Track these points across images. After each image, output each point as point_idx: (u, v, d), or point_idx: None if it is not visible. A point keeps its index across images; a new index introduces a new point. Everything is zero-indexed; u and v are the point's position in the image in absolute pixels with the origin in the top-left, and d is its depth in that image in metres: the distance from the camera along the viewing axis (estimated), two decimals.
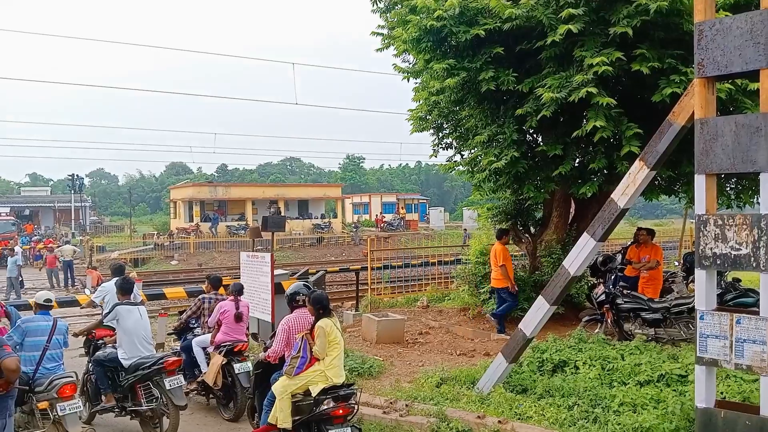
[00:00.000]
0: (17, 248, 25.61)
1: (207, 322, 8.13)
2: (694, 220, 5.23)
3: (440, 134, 12.98)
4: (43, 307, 6.55)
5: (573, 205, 12.15)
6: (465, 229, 40.14)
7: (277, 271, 10.16)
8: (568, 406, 6.34)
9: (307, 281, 8.34)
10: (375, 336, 10.55)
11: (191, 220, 46.38)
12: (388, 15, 11.98)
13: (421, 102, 12.17)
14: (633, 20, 8.11)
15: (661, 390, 6.36)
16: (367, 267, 14.77)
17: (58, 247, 28.90)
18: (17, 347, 6.21)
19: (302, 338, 5.68)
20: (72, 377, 6.26)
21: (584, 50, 8.51)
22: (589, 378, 6.97)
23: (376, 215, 56.02)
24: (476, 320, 11.72)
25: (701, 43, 4.96)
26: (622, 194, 6.16)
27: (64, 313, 10.72)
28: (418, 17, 9.40)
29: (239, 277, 10.12)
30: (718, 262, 4.89)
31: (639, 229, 10.87)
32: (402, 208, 58.65)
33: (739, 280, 10.20)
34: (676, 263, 13.96)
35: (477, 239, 13.14)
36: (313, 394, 5.54)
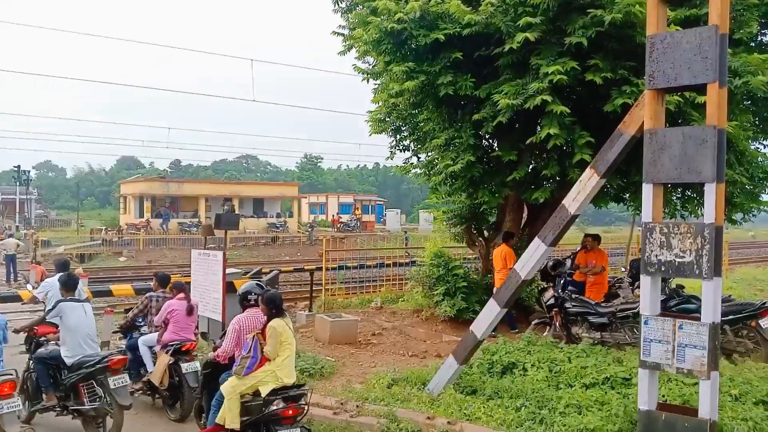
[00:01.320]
0: None
1: (154, 320, 7.95)
2: (641, 228, 5.38)
3: (398, 136, 13.02)
4: None
5: (526, 210, 12.35)
6: (405, 232, 40.46)
7: (229, 270, 10.02)
8: (516, 407, 6.43)
9: (260, 281, 8.24)
10: (328, 337, 10.50)
11: (142, 215, 45.34)
12: (349, 15, 11.96)
13: (380, 104, 12.18)
14: (588, 30, 8.29)
15: (606, 392, 6.50)
16: (321, 267, 14.69)
17: (1, 240, 27.83)
18: None
19: (253, 338, 5.60)
20: (11, 375, 6.05)
21: (540, 58, 8.67)
22: (537, 380, 7.09)
23: (333, 215, 55.87)
24: (429, 322, 11.80)
25: (652, 55, 5.11)
26: (573, 200, 6.29)
27: (5, 309, 10.30)
28: (379, 19, 9.41)
29: (190, 275, 9.92)
30: (663, 269, 5.04)
31: (586, 235, 11.13)
32: (358, 209, 58.61)
33: (682, 287, 10.51)
34: (623, 269, 14.33)
35: (432, 242, 13.23)
36: (263, 395, 5.47)
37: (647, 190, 5.18)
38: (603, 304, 9.40)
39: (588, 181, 6.13)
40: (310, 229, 44.39)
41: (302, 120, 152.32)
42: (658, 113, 5.21)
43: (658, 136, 5.11)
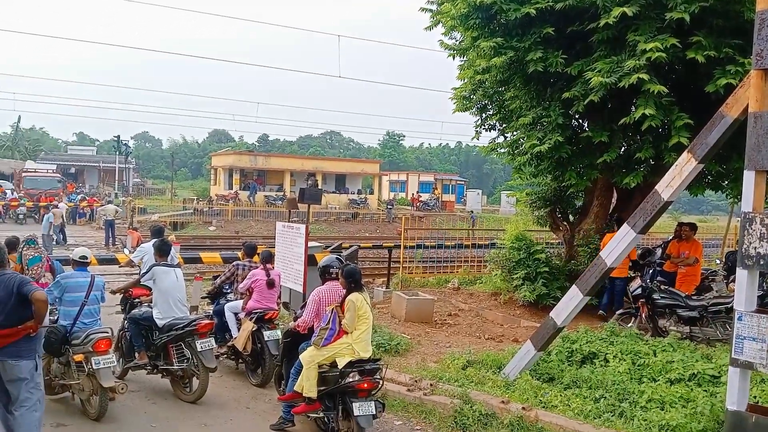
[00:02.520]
0: (62, 205, 26.34)
1: (239, 288, 8.26)
2: (739, 218, 5.05)
3: (483, 115, 12.81)
4: (80, 264, 6.72)
5: (615, 194, 11.89)
6: (472, 211, 39.93)
7: (311, 243, 10.23)
8: (595, 398, 6.27)
9: (340, 255, 8.37)
10: (404, 314, 10.58)
11: (231, 187, 47.01)
12: None
13: (465, 81, 12.00)
14: (691, 6, 7.81)
15: (692, 389, 6.23)
16: (400, 245, 14.77)
17: (101, 206, 29.69)
18: (57, 301, 6.43)
19: (332, 310, 5.72)
20: (107, 333, 6.44)
21: (638, 35, 8.24)
22: (619, 372, 6.87)
23: (413, 194, 55.87)
24: (507, 305, 11.65)
25: (762, 32, 4.74)
26: (667, 186, 5.99)
27: (103, 270, 11.02)
28: None
29: (274, 247, 10.22)
30: (762, 263, 4.72)
31: (681, 224, 10.59)
32: (438, 188, 58.33)
33: None
34: (718, 261, 13.60)
35: (513, 224, 12.99)
36: (340, 367, 5.59)
37: (749, 178, 4.85)
38: (694, 297, 8.96)
39: (684, 166, 5.81)
40: (389, 207, 44.62)
41: (386, 97, 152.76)
42: (765, 95, 4.84)
43: (764, 119, 4.75)
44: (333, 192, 49.62)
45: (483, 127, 12.93)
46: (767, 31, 4.71)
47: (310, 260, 9.46)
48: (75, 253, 6.90)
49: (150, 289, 7.64)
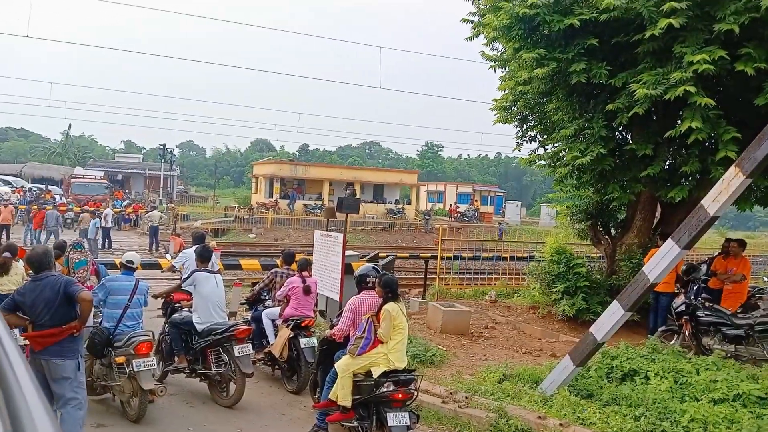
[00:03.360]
0: (108, 210, 27.05)
1: (276, 294, 8.34)
2: None
3: (524, 126, 12.71)
4: (127, 268, 6.89)
5: (659, 209, 11.63)
6: (500, 223, 39.46)
7: (348, 252, 10.28)
8: (635, 416, 6.11)
9: (376, 264, 8.39)
10: (440, 325, 10.52)
11: (271, 196, 47.61)
12: (480, 2, 11.78)
13: (506, 92, 11.94)
14: (741, 17, 7.63)
15: (737, 410, 6.02)
16: (437, 256, 14.72)
17: (146, 212, 30.39)
18: (101, 303, 6.60)
19: (368, 320, 5.72)
20: (149, 336, 6.57)
21: (685, 46, 8.08)
22: (660, 390, 6.68)
23: (450, 205, 55.63)
24: (545, 320, 11.47)
25: None
26: (714, 201, 5.83)
27: (145, 275, 11.26)
28: (510, 4, 9.21)
29: (312, 255, 10.31)
30: None
31: (729, 240, 10.28)
32: (476, 199, 57.93)
33: None
34: (765, 279, 13.14)
35: (553, 237, 12.81)
36: (374, 376, 5.58)
37: None
38: (740, 315, 8.67)
39: (732, 181, 5.65)
40: (427, 218, 44.50)
41: (425, 108, 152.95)
42: None
43: None
44: (371, 202, 49.76)
45: (524, 138, 12.83)
46: None
47: (347, 269, 9.50)
48: (124, 257, 7.08)
49: (190, 294, 7.78)
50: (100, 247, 22.87)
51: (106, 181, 45.90)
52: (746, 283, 9.82)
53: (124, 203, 38.83)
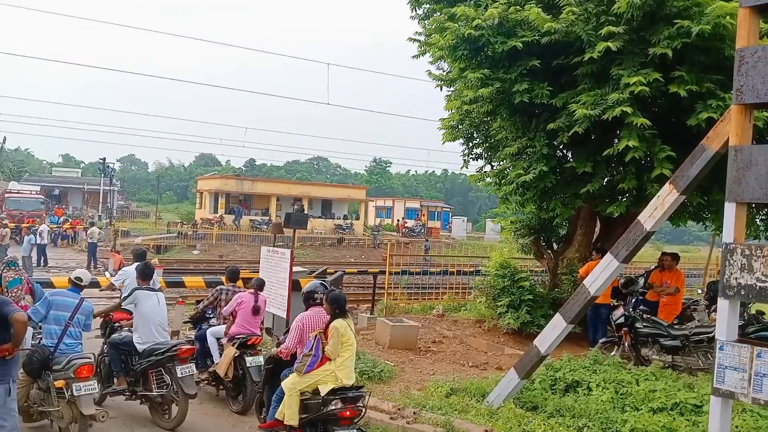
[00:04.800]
0: (44, 226, 26.04)
1: (223, 312, 8.18)
2: (720, 249, 5.11)
3: (470, 144, 12.94)
4: (74, 284, 6.67)
5: (598, 224, 12.00)
6: (427, 240, 40.22)
7: (295, 268, 10.19)
8: (578, 427, 6.25)
9: (324, 281, 8.35)
10: (388, 341, 10.52)
11: (216, 211, 46.79)
12: (426, 22, 11.99)
13: (453, 111, 12.14)
14: (674, 42, 8.01)
15: (674, 419, 6.23)
16: (385, 271, 14.75)
17: (84, 228, 29.37)
18: (43, 320, 6.32)
19: (316, 337, 5.68)
20: (90, 358, 6.32)
21: (622, 69, 8.43)
22: (602, 400, 6.86)
23: (398, 220, 55.96)
24: (491, 333, 11.63)
25: (741, 69, 4.86)
26: (650, 217, 6.07)
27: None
28: (456, 25, 9.39)
29: (258, 271, 10.16)
30: (743, 293, 4.77)
31: (664, 253, 10.69)
32: (424, 214, 58.46)
33: (762, 313, 9.96)
34: (700, 291, 13.70)
35: (498, 252, 13.05)
36: (322, 394, 5.53)
37: (729, 210, 4.92)
38: (676, 327, 9.01)
39: (666, 197, 5.89)
40: (375, 233, 44.60)
41: (373, 124, 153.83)
42: (744, 129, 4.94)
43: (744, 153, 4.84)
44: (319, 217, 49.53)
45: (470, 156, 13.06)
46: (747, 68, 4.83)
47: (295, 285, 9.40)
48: (73, 273, 6.86)
49: (131, 313, 7.54)
50: (35, 265, 21.95)
51: (42, 196, 44.16)
52: (680, 295, 10.22)
53: (61, 219, 37.45)
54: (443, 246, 37.71)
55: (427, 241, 39.23)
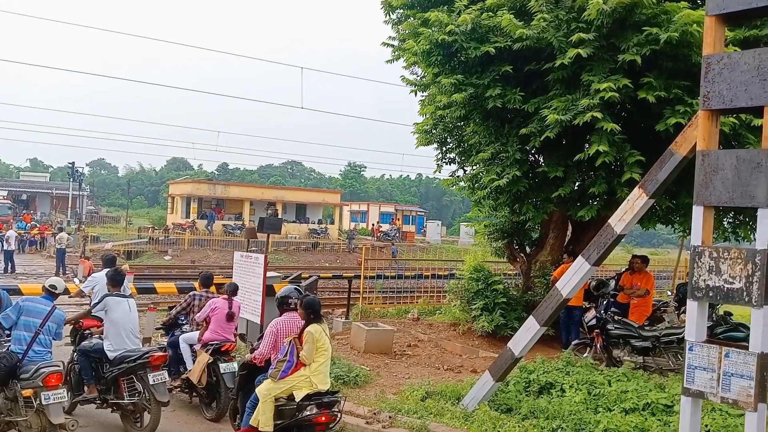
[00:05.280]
0: (11, 232, 25.47)
1: (196, 318, 8.09)
2: (689, 251, 5.22)
3: (444, 149, 13.00)
4: (48, 292, 6.54)
5: (570, 227, 12.15)
6: (393, 243, 40.95)
7: (269, 273, 10.13)
8: (552, 428, 6.31)
9: (299, 285, 8.31)
10: (363, 345, 10.51)
11: (188, 216, 46.27)
12: (399, 27, 12.03)
13: (427, 116, 12.19)
14: (642, 48, 8.16)
15: (646, 419, 6.33)
16: (360, 275, 14.74)
17: (52, 234, 28.80)
18: (14, 325, 6.19)
19: (290, 342, 5.65)
20: (59, 366, 6.20)
21: (592, 75, 8.55)
22: (575, 402, 6.94)
23: (373, 224, 55.95)
24: (466, 336, 11.68)
25: (708, 76, 4.98)
26: (620, 220, 6.17)
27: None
28: (429, 30, 9.44)
29: (231, 277, 10.08)
30: (711, 295, 4.88)
31: (634, 256, 10.88)
32: (398, 219, 58.55)
33: (730, 314, 10.19)
34: (669, 293, 13.96)
35: (472, 255, 13.13)
36: (297, 399, 5.51)
37: (697, 213, 5.03)
38: (647, 328, 9.17)
39: (636, 201, 6.00)
40: (349, 239, 44.54)
41: (347, 128, 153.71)
42: (711, 134, 5.06)
43: (711, 157, 4.96)
44: (293, 222, 49.30)
45: (444, 160, 13.12)
46: (713, 75, 4.95)
47: (269, 291, 9.35)
48: (47, 281, 6.74)
49: (101, 320, 7.41)
50: (2, 272, 21.45)
51: (9, 202, 43.27)
52: (650, 297, 10.39)
53: (29, 225, 36.65)
54: (418, 250, 37.85)
55: (393, 245, 39.66)
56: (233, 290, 8.19)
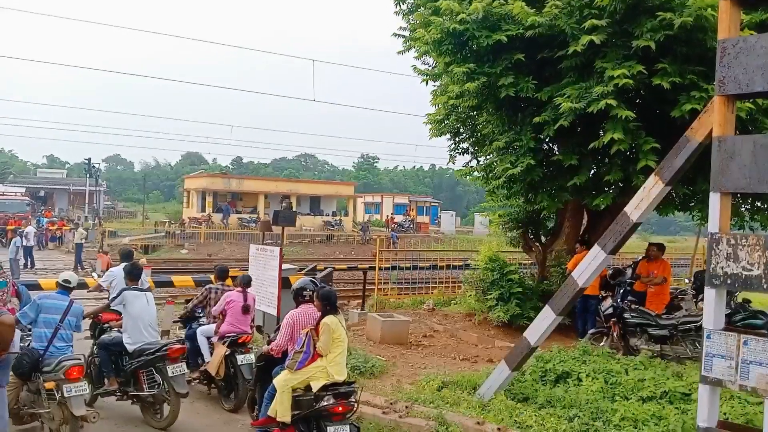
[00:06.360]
0: (30, 228, 25.79)
1: (212, 311, 8.17)
2: (706, 239, 5.18)
3: (457, 139, 12.96)
4: (62, 287, 6.63)
5: (585, 216, 12.08)
6: (392, 229, 41.16)
7: (285, 266, 10.18)
8: (569, 417, 6.30)
9: (314, 277, 8.35)
10: (379, 336, 10.55)
11: (203, 210, 46.58)
12: (410, 17, 11.98)
13: (439, 106, 12.15)
14: (656, 34, 8.06)
15: (664, 407, 6.31)
16: (375, 267, 14.77)
17: (70, 230, 29.13)
18: (32, 323, 6.29)
19: (307, 333, 5.68)
20: (80, 359, 6.28)
21: (605, 61, 8.47)
22: (592, 391, 6.93)
23: (387, 216, 55.97)
24: (481, 326, 11.70)
25: (723, 60, 4.91)
26: (636, 208, 6.12)
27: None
28: (441, 19, 9.39)
29: (247, 269, 10.15)
30: (729, 282, 4.84)
31: (650, 244, 10.80)
32: (412, 209, 58.50)
33: (749, 301, 10.08)
34: (687, 280, 13.84)
35: (487, 245, 13.11)
36: (314, 390, 5.54)
37: (714, 200, 4.98)
38: (664, 316, 9.11)
39: (652, 189, 5.95)
40: (363, 230, 44.61)
41: (360, 121, 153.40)
42: (727, 120, 5.00)
43: (728, 143, 4.90)
44: (307, 214, 49.47)
45: (457, 151, 13.08)
46: (728, 59, 4.88)
47: (284, 283, 9.40)
48: (60, 276, 6.81)
49: (120, 313, 7.51)
50: (22, 267, 21.76)
51: (27, 198, 43.77)
52: (667, 284, 10.32)
53: (46, 220, 37.10)
54: (432, 240, 37.81)
55: (392, 230, 40.17)
56: (246, 282, 8.24)
